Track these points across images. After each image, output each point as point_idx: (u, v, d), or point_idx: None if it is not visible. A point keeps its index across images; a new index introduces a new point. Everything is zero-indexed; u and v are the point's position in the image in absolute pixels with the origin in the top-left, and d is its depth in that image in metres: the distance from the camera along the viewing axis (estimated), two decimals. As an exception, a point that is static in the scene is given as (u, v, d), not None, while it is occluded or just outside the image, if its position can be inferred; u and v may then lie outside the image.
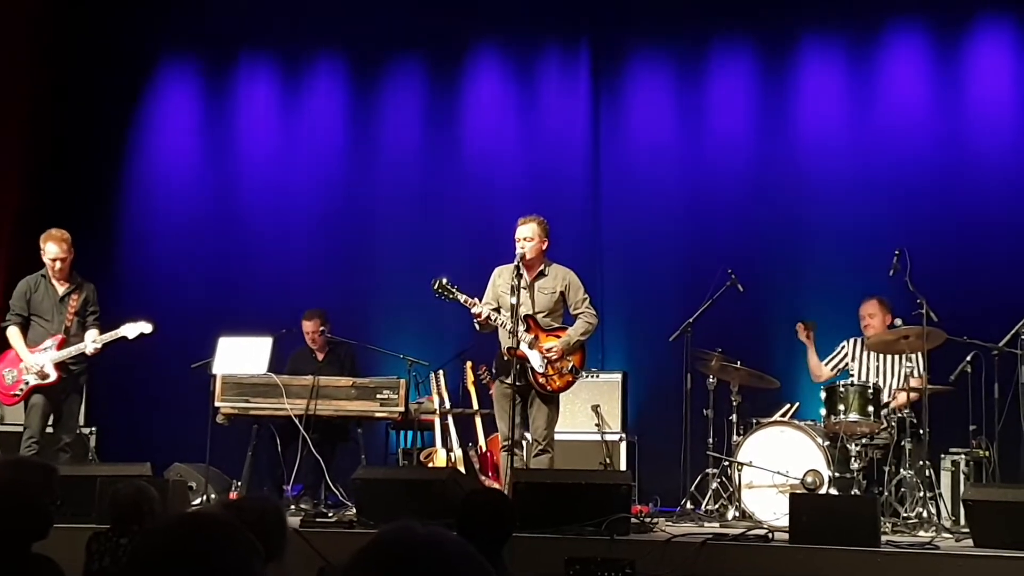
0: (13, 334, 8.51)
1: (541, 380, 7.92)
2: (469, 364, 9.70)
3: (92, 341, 8.50)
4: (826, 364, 9.12)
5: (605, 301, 9.96)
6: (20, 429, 8.68)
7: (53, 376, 8.42)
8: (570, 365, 7.99)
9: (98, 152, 11.44)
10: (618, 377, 9.93)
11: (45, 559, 3.75)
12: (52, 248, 8.51)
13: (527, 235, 7.98)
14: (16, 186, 10.60)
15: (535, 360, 7.89)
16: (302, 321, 9.75)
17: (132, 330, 8.60)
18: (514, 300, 7.78)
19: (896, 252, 8.14)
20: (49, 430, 8.57)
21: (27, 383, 8.41)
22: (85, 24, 11.49)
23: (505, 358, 7.93)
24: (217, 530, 2.13)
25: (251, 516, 3.38)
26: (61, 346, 8.47)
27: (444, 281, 8.03)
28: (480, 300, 8.03)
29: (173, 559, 2.09)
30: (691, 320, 8.82)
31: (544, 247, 8.06)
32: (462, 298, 7.99)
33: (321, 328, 9.69)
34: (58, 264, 8.52)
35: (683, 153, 10.80)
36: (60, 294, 8.57)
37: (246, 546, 2.15)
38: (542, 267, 8.10)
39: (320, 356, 9.78)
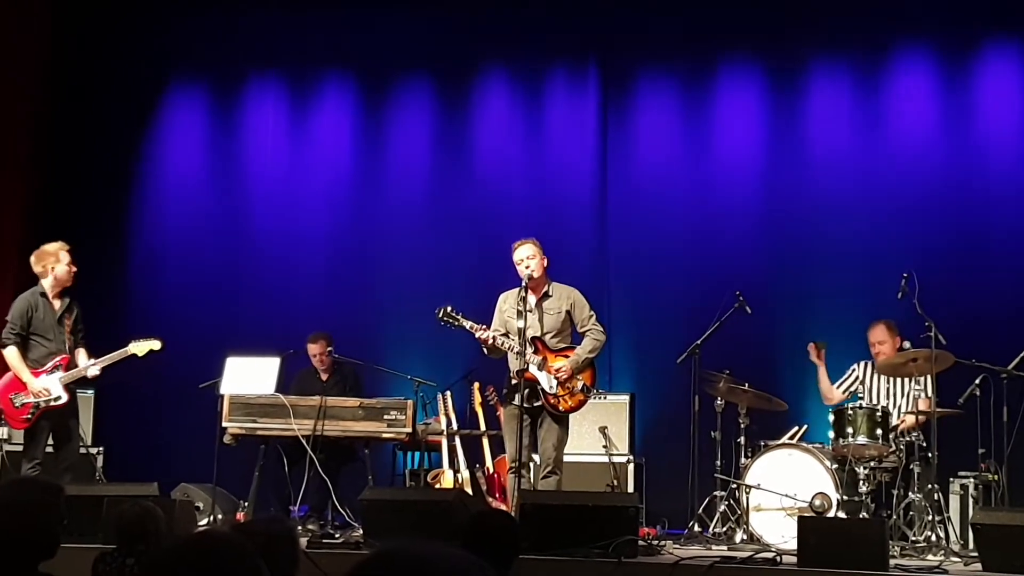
0: (12, 354, 8.35)
1: (553, 401, 7.92)
2: (476, 385, 9.70)
3: (92, 364, 8.47)
4: (837, 387, 9.10)
5: (613, 322, 9.94)
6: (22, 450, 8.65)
7: (64, 398, 8.35)
8: (580, 384, 7.99)
9: (107, 172, 11.46)
10: (625, 399, 9.91)
11: (52, 579, 3.75)
12: (67, 257, 8.51)
13: (528, 254, 7.98)
14: (24, 207, 10.63)
15: (545, 381, 7.88)
16: (307, 344, 9.77)
17: (141, 347, 8.57)
18: (521, 323, 7.78)
19: (904, 275, 8.13)
20: (48, 450, 8.49)
21: (37, 407, 8.30)
22: (93, 45, 11.53)
23: (514, 381, 7.92)
24: (226, 550, 2.12)
25: (263, 538, 3.37)
26: (66, 367, 8.44)
27: (449, 309, 8.03)
28: (487, 326, 8.04)
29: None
30: (699, 342, 8.80)
31: (545, 264, 8.07)
32: (468, 325, 7.99)
33: (329, 349, 9.72)
34: (73, 269, 8.51)
35: (691, 175, 10.80)
36: (58, 313, 8.51)
37: (254, 566, 2.14)
38: (546, 288, 8.11)
39: (325, 377, 9.80)
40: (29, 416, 8.32)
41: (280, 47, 11.55)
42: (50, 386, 8.32)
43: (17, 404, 8.34)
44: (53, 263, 8.49)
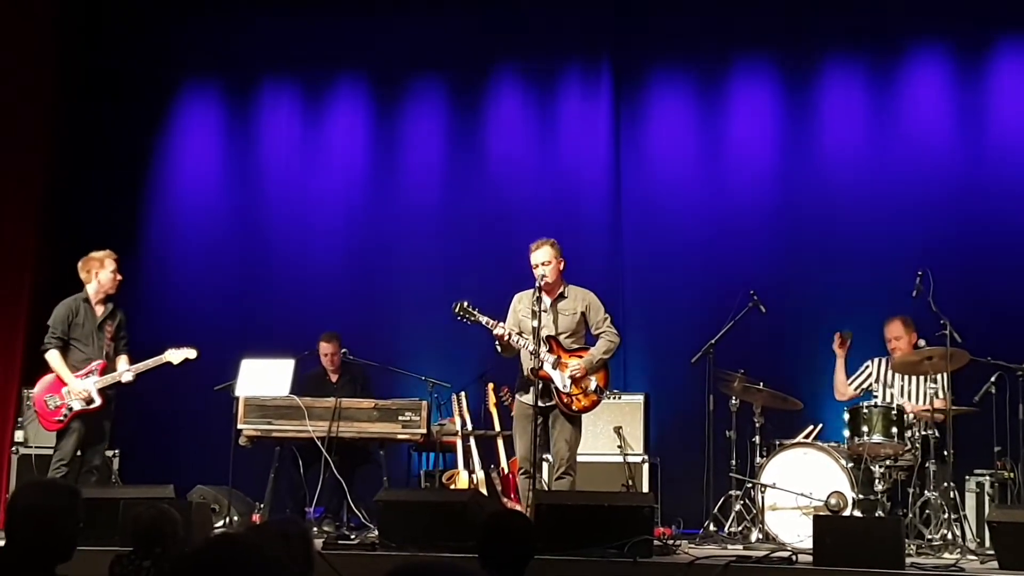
0: (54, 357, 8.47)
1: (566, 400, 7.92)
2: (491, 386, 9.71)
3: (127, 370, 8.55)
4: (850, 383, 9.09)
5: (627, 322, 9.94)
6: (49, 451, 8.72)
7: (99, 401, 8.44)
8: (594, 384, 7.98)
9: (121, 175, 11.48)
10: (640, 399, 9.89)
11: (69, 581, 3.77)
12: (113, 266, 8.62)
13: (544, 259, 7.97)
14: (38, 210, 10.65)
15: (559, 380, 7.88)
16: (320, 343, 9.79)
17: (176, 355, 8.66)
18: (535, 324, 7.79)
19: (919, 273, 8.11)
20: (77, 453, 8.58)
21: (71, 408, 8.39)
22: (108, 48, 11.55)
23: (527, 379, 7.93)
24: (250, 554, 2.11)
25: (277, 538, 3.38)
26: (103, 371, 8.51)
27: (465, 304, 8.03)
28: (503, 322, 8.04)
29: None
30: (713, 341, 8.80)
31: (561, 267, 8.07)
32: (484, 320, 8.00)
33: (344, 350, 9.74)
34: (118, 278, 8.63)
35: (704, 174, 10.79)
36: (99, 319, 8.61)
37: (278, 569, 2.12)
38: (562, 289, 8.11)
39: (334, 378, 9.82)
40: (61, 418, 8.42)
41: (293, 49, 11.56)
42: (89, 389, 8.40)
43: (51, 406, 8.46)
44: (98, 269, 8.62)
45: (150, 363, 8.63)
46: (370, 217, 11.34)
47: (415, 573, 1.96)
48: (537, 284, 7.89)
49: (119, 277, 8.70)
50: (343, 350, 9.80)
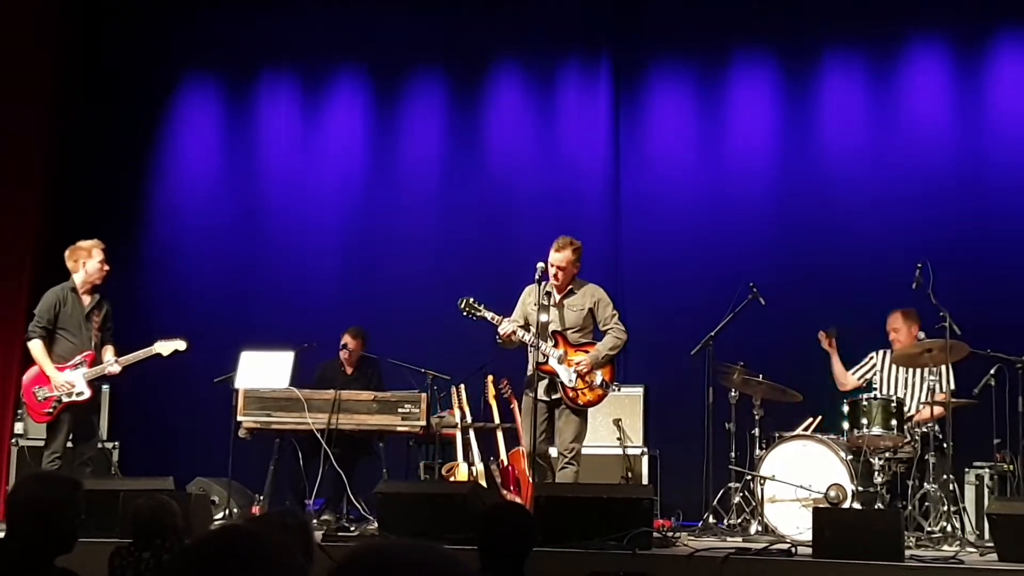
0: (37, 347, 8.42)
1: (572, 394, 7.94)
2: (490, 378, 9.69)
3: (115, 361, 8.52)
4: (852, 373, 9.09)
5: (626, 315, 9.86)
6: (42, 443, 8.71)
7: (87, 394, 8.41)
8: (599, 379, 8.00)
9: (121, 170, 11.47)
10: (640, 391, 9.90)
11: (69, 573, 3.77)
12: (100, 255, 8.58)
13: (560, 263, 8.00)
14: (37, 202, 10.63)
15: (564, 375, 7.90)
16: (345, 335, 9.76)
17: (166, 347, 8.63)
18: (542, 317, 7.81)
19: (918, 265, 8.10)
20: (68, 444, 8.56)
21: (59, 400, 8.35)
22: (107, 43, 11.53)
23: (529, 373, 7.95)
24: (254, 544, 2.09)
25: (277, 530, 3.38)
26: (91, 363, 8.48)
27: (471, 300, 8.06)
28: (509, 318, 8.06)
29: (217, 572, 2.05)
30: (713, 334, 8.80)
31: (575, 272, 8.10)
32: (489, 315, 8.03)
33: (362, 348, 9.75)
34: (105, 268, 8.58)
35: (704, 168, 10.79)
36: (86, 309, 8.58)
37: (283, 559, 2.11)
38: (571, 286, 8.14)
39: (349, 371, 9.81)
40: (51, 410, 8.39)
41: (292, 42, 11.55)
42: (74, 381, 8.37)
43: (40, 398, 8.40)
44: (85, 259, 8.56)
45: (139, 355, 8.60)
46: (369, 210, 11.34)
47: (368, 559, 1.94)
48: (536, 277, 7.90)
49: (106, 267, 8.64)
50: (362, 346, 9.79)
